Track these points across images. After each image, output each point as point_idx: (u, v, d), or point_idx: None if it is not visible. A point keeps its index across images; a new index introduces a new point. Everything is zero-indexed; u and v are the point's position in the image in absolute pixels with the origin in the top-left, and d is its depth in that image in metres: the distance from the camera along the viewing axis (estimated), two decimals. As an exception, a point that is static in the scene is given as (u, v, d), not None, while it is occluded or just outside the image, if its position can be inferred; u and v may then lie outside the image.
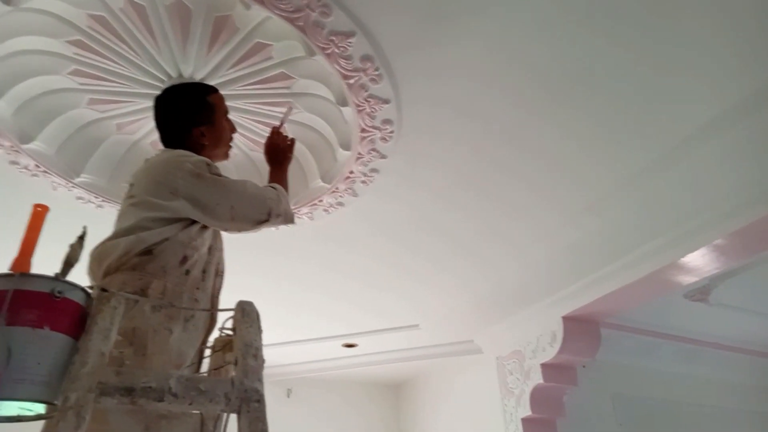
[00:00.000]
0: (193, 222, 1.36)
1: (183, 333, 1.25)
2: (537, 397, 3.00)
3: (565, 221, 2.38)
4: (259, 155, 2.06)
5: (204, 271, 1.37)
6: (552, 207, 2.29)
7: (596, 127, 1.87)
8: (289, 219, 1.56)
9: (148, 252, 1.26)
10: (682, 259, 2.23)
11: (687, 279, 2.43)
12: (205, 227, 1.40)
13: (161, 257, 1.27)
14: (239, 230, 1.47)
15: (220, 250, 1.50)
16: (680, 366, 3.80)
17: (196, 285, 1.33)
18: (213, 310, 1.37)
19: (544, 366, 2.96)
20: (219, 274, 1.47)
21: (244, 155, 2.09)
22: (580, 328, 2.90)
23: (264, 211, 1.46)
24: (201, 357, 1.34)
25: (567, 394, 3.06)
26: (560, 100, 1.77)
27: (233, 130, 1.68)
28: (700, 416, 3.75)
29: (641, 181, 2.12)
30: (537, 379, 2.97)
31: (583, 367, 3.13)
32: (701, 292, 3.16)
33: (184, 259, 1.31)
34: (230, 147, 1.68)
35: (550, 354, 2.91)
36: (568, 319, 2.87)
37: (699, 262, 2.26)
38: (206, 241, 1.40)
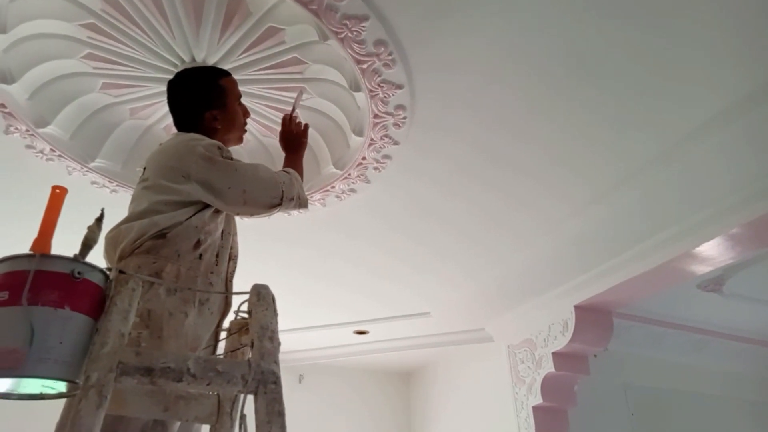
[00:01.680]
0: (206, 206, 1.36)
1: (198, 317, 1.26)
2: (548, 385, 3.00)
3: (572, 212, 2.38)
4: (272, 141, 2.07)
5: (217, 256, 1.38)
6: (558, 198, 2.29)
7: (599, 119, 1.86)
8: (302, 203, 1.55)
9: (161, 236, 1.26)
10: (696, 248, 2.21)
11: (700, 269, 2.41)
12: (217, 212, 1.40)
13: (175, 241, 1.27)
14: (251, 214, 1.47)
15: (234, 234, 1.50)
16: (691, 356, 3.79)
17: (209, 269, 1.34)
18: (228, 293, 1.37)
19: (555, 355, 2.95)
20: (232, 258, 1.47)
21: (256, 141, 2.09)
22: (592, 317, 2.88)
23: (276, 194, 1.45)
24: (217, 340, 1.35)
25: (578, 384, 3.05)
26: (563, 93, 1.76)
27: (246, 114, 1.68)
28: (711, 406, 3.74)
29: (649, 171, 2.10)
30: (548, 367, 2.97)
31: (595, 356, 3.12)
32: (715, 283, 3.13)
33: (198, 244, 1.31)
34: (244, 131, 1.68)
35: (561, 343, 2.90)
36: (580, 309, 2.85)
37: (713, 252, 2.23)
38: (219, 225, 1.41)
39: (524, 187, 2.21)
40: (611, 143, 1.97)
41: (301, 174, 1.65)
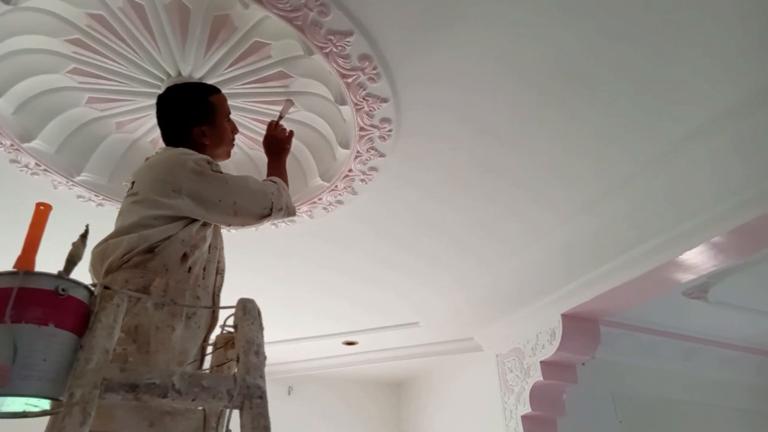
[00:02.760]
0: (194, 220, 1.37)
1: (185, 330, 1.26)
2: (537, 394, 3.01)
3: (560, 221, 2.41)
4: (259, 153, 2.08)
5: (205, 269, 1.38)
6: (547, 207, 2.32)
7: (587, 129, 1.89)
8: (290, 212, 1.58)
9: (150, 250, 1.27)
10: (680, 256, 2.24)
11: (685, 277, 2.44)
12: (205, 225, 1.41)
13: (163, 255, 1.28)
14: (242, 225, 1.49)
15: (221, 248, 1.51)
16: (680, 364, 3.82)
17: (197, 283, 1.34)
18: (215, 307, 1.38)
19: (543, 363, 2.97)
20: (219, 272, 1.48)
21: (243, 153, 2.10)
22: (580, 326, 2.91)
23: (266, 205, 1.47)
24: (203, 354, 1.35)
25: (567, 392, 3.07)
26: (551, 103, 1.79)
27: (235, 130, 1.69)
28: (699, 414, 3.76)
29: (636, 181, 2.14)
30: (537, 376, 2.98)
31: (583, 365, 3.14)
32: (700, 290, 3.17)
33: (185, 257, 1.31)
34: (232, 147, 1.69)
35: (549, 351, 2.92)
36: (567, 317, 2.87)
37: (697, 259, 2.26)
38: (207, 239, 1.41)
39: (512, 196, 2.24)
40: (599, 153, 2.00)
41: (285, 180, 1.67)
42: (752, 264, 2.85)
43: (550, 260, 2.68)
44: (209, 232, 1.43)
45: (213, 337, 1.36)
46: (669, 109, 1.80)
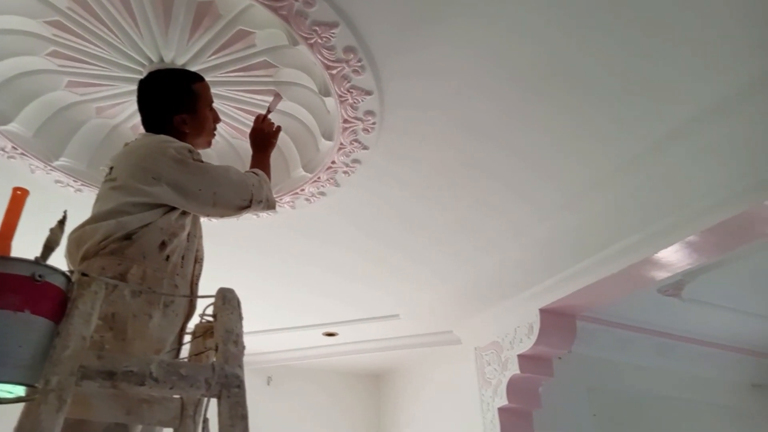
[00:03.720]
0: (173, 208, 1.36)
1: (163, 318, 1.25)
2: (513, 387, 3.05)
3: (541, 218, 2.44)
4: (242, 143, 2.07)
5: (183, 258, 1.37)
6: (528, 204, 2.34)
7: (572, 126, 1.91)
8: (270, 205, 1.57)
9: (127, 237, 1.26)
10: (656, 255, 2.29)
11: (660, 274, 2.49)
12: (184, 214, 1.40)
13: (140, 242, 1.27)
14: (221, 215, 1.48)
15: (199, 237, 1.50)
16: (654, 360, 3.89)
17: (175, 271, 1.33)
18: (194, 296, 1.37)
19: (520, 357, 3.01)
20: (198, 261, 1.47)
21: (226, 143, 2.09)
22: (557, 320, 2.95)
23: (246, 197, 1.47)
24: (181, 342, 1.35)
25: (543, 386, 3.11)
26: (536, 100, 1.80)
27: (217, 120, 1.68)
28: (673, 409, 3.85)
29: (616, 179, 2.17)
30: (514, 369, 3.02)
31: (559, 358, 3.19)
32: (674, 288, 3.24)
33: (163, 245, 1.31)
34: (213, 136, 1.68)
35: (526, 345, 2.96)
36: (544, 312, 2.92)
37: (672, 258, 2.31)
38: (186, 227, 1.41)
39: (494, 192, 2.25)
40: (582, 150, 2.02)
41: (268, 174, 1.66)
42: (726, 262, 2.91)
43: (529, 256, 2.72)
44: (188, 220, 1.42)
45: (191, 325, 1.36)
46: (652, 107, 1.82)
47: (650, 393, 3.81)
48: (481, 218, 2.44)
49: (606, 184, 2.20)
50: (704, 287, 3.22)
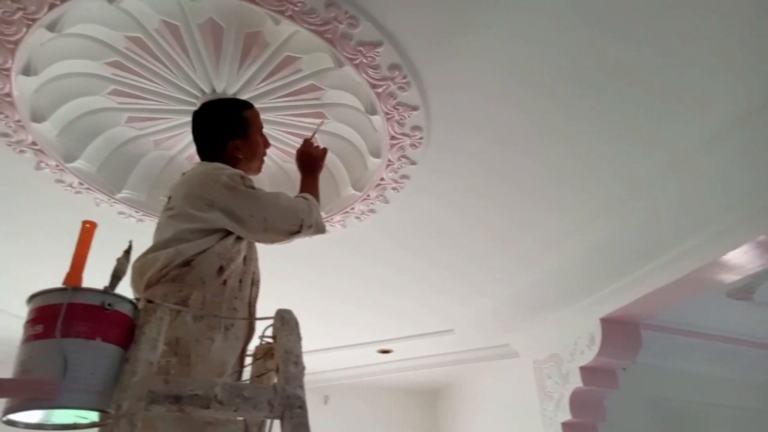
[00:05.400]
0: (229, 233, 1.39)
1: (224, 342, 1.28)
2: (577, 401, 2.95)
3: (598, 218, 2.35)
4: (292, 166, 2.11)
5: (240, 281, 1.40)
6: (585, 201, 2.26)
7: (627, 119, 1.83)
8: (320, 229, 1.59)
9: (186, 264, 1.30)
10: (724, 256, 2.17)
11: (729, 277, 2.36)
12: (240, 239, 1.43)
13: (199, 268, 1.30)
14: (272, 241, 1.50)
15: (255, 259, 1.53)
16: (724, 368, 3.68)
17: (233, 294, 1.36)
18: (252, 318, 1.40)
19: (583, 369, 2.91)
20: (255, 283, 1.50)
21: (276, 166, 2.14)
22: (619, 329, 2.84)
23: (296, 222, 1.48)
24: (242, 365, 1.37)
25: (608, 398, 3.00)
26: (591, 92, 1.74)
27: (267, 145, 1.73)
28: (746, 421, 3.62)
29: (676, 176, 2.07)
30: (576, 382, 2.92)
31: (624, 369, 3.06)
32: (745, 291, 3.07)
33: (221, 270, 1.34)
34: (263, 162, 1.72)
35: (588, 357, 2.86)
36: (606, 321, 2.81)
37: (741, 259, 2.19)
38: (241, 251, 1.44)
39: (552, 189, 2.18)
40: (638, 142, 1.93)
41: (317, 197, 1.68)
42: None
43: (586, 262, 2.63)
44: (244, 244, 1.45)
45: (251, 347, 1.38)
46: (710, 95, 1.74)
47: (722, 403, 3.59)
48: (537, 221, 2.37)
49: (665, 180, 2.10)
50: (779, 289, 3.03)
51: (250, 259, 1.49)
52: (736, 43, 1.55)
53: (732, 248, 2.11)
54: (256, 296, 1.50)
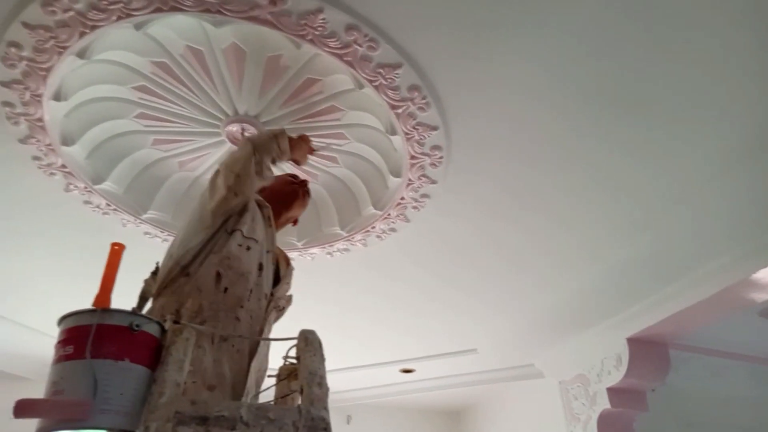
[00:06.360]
0: (226, 243, 1.36)
1: (217, 353, 1.20)
2: (605, 423, 2.88)
3: (622, 237, 2.31)
4: (312, 186, 2.14)
5: (251, 291, 1.35)
6: (608, 223, 2.22)
7: (651, 140, 1.81)
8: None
9: (186, 274, 1.29)
10: (754, 275, 2.12)
11: (761, 296, 2.30)
12: (248, 247, 1.39)
13: (196, 277, 1.29)
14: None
15: (268, 276, 1.47)
16: (758, 390, 3.56)
17: (238, 303, 1.30)
18: (272, 339, 1.36)
19: (610, 390, 2.84)
20: (272, 301, 1.45)
21: (298, 186, 2.15)
22: (647, 350, 2.78)
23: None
24: (245, 382, 1.27)
25: (638, 421, 2.92)
26: (611, 115, 1.73)
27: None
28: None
29: (702, 193, 2.03)
30: (604, 404, 2.85)
31: (653, 391, 2.99)
32: (778, 309, 2.98)
33: (218, 277, 1.30)
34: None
35: (616, 378, 2.79)
36: (633, 341, 2.75)
37: (773, 276, 2.13)
38: (245, 259, 1.38)
39: (573, 210, 2.16)
40: (661, 162, 1.89)
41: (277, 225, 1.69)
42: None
43: (610, 282, 2.59)
44: (250, 253, 1.39)
45: (273, 366, 1.36)
46: (733, 114, 1.72)
47: (757, 427, 3.46)
48: (560, 242, 2.34)
49: (690, 199, 2.05)
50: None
51: (265, 267, 1.44)
52: (757, 63, 1.53)
53: (763, 266, 2.06)
54: (271, 311, 1.44)
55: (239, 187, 1.40)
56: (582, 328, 2.97)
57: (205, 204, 1.39)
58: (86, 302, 0.97)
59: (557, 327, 3.04)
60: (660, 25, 1.44)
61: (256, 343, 1.35)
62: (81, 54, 1.55)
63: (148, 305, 1.26)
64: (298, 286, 2.59)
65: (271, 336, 1.40)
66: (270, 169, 1.52)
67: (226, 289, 1.29)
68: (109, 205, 2.07)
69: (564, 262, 2.50)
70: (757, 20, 1.42)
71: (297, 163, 1.80)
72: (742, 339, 3.29)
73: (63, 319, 0.93)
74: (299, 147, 1.72)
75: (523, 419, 3.76)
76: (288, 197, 1.76)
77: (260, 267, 1.42)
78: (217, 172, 1.45)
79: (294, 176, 1.89)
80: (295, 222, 1.86)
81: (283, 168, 1.98)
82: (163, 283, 1.28)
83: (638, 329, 2.68)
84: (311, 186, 2.13)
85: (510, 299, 2.82)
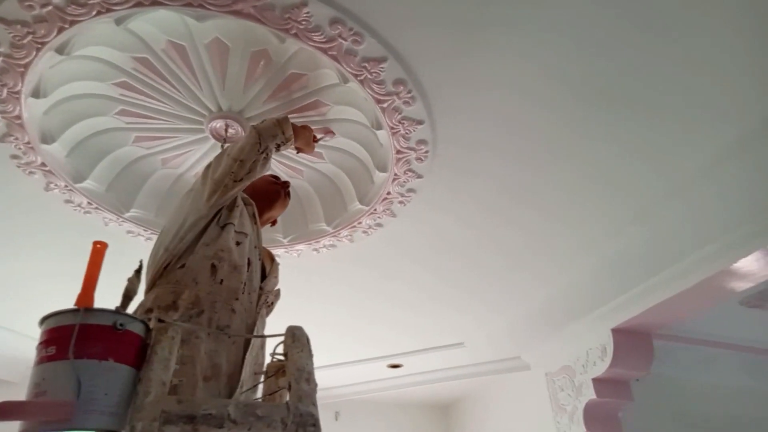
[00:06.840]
0: (219, 235, 1.36)
1: (213, 342, 1.20)
2: (591, 413, 2.90)
3: (610, 231, 2.34)
4: (299, 182, 2.12)
5: (244, 284, 1.35)
6: (597, 218, 2.25)
7: (640, 136, 1.83)
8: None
9: (181, 266, 1.29)
10: (734, 264, 2.15)
11: (741, 285, 2.34)
12: (237, 242, 1.39)
13: (191, 269, 1.28)
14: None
15: (256, 270, 1.47)
16: (742, 378, 3.62)
17: (233, 295, 1.30)
18: (259, 336, 1.38)
19: (595, 381, 2.87)
20: (261, 294, 1.44)
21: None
22: (631, 340, 2.81)
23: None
24: (240, 373, 1.26)
25: (624, 411, 2.95)
26: (599, 111, 1.74)
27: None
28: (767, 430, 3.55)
29: (688, 189, 2.06)
30: (589, 394, 2.88)
31: (637, 381, 3.03)
32: (759, 299, 3.03)
33: (214, 269, 1.30)
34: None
35: (601, 368, 2.82)
36: (617, 332, 2.78)
37: (753, 267, 2.16)
38: (235, 251, 1.37)
39: (562, 206, 2.18)
40: (650, 159, 1.92)
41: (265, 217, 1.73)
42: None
43: (597, 274, 2.61)
44: (240, 248, 1.39)
45: (249, 356, 1.35)
46: (717, 115, 1.74)
47: (742, 414, 3.53)
48: (547, 236, 2.36)
49: (677, 194, 2.08)
50: (792, 296, 2.99)
51: (251, 263, 1.44)
52: (746, 61, 1.55)
53: (743, 256, 2.10)
54: (263, 304, 1.44)
55: (242, 173, 1.41)
56: (568, 320, 3.00)
57: (199, 193, 1.38)
58: (69, 302, 0.95)
59: (544, 320, 3.06)
60: (650, 21, 1.44)
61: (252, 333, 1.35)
62: (60, 50, 1.52)
63: (137, 301, 1.24)
64: (284, 282, 2.58)
65: (259, 332, 1.39)
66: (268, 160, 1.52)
67: (221, 281, 1.29)
68: (90, 203, 2.04)
69: (552, 255, 2.52)
70: (749, 17, 1.43)
71: (301, 151, 1.78)
72: (727, 328, 3.35)
73: (45, 319, 0.91)
74: (302, 135, 1.71)
75: (510, 411, 3.79)
76: (270, 197, 1.76)
77: (249, 262, 1.41)
78: (209, 165, 1.46)
79: (276, 177, 1.88)
80: (273, 223, 1.85)
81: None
82: (156, 275, 1.27)
83: (623, 320, 2.71)
84: (296, 182, 2.13)
85: (497, 293, 2.84)
